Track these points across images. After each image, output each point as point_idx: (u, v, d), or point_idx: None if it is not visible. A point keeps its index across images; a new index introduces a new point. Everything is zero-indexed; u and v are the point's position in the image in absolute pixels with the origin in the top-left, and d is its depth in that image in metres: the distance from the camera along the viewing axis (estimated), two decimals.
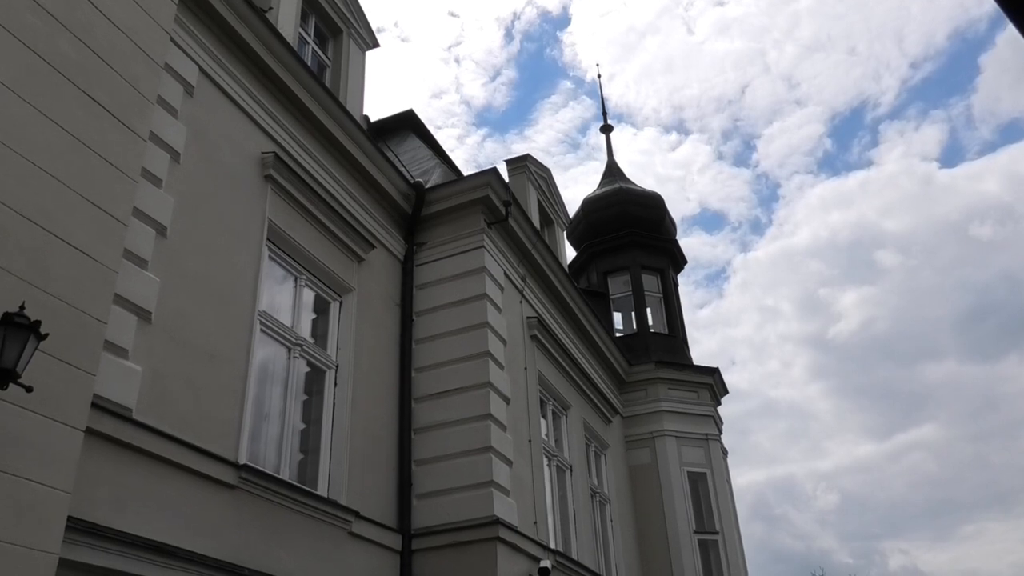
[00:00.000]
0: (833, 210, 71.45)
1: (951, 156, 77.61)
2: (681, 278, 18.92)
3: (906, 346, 67.92)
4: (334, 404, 8.55)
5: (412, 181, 10.51)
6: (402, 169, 10.69)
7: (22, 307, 4.18)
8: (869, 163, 75.01)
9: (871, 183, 70.41)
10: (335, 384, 8.66)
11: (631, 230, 17.92)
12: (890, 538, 58.72)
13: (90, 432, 4.98)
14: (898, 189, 69.17)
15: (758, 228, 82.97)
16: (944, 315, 66.63)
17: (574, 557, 11.29)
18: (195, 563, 5.95)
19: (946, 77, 75.08)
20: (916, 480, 62.39)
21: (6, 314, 4.06)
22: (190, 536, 6.05)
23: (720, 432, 16.46)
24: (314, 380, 8.58)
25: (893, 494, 61.58)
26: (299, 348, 8.25)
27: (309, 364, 8.49)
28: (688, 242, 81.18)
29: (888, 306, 67.84)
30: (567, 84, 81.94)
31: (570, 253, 18.02)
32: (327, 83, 10.34)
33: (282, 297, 8.33)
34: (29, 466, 4.34)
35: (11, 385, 4.08)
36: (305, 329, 8.55)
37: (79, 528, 5.03)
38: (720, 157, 79.97)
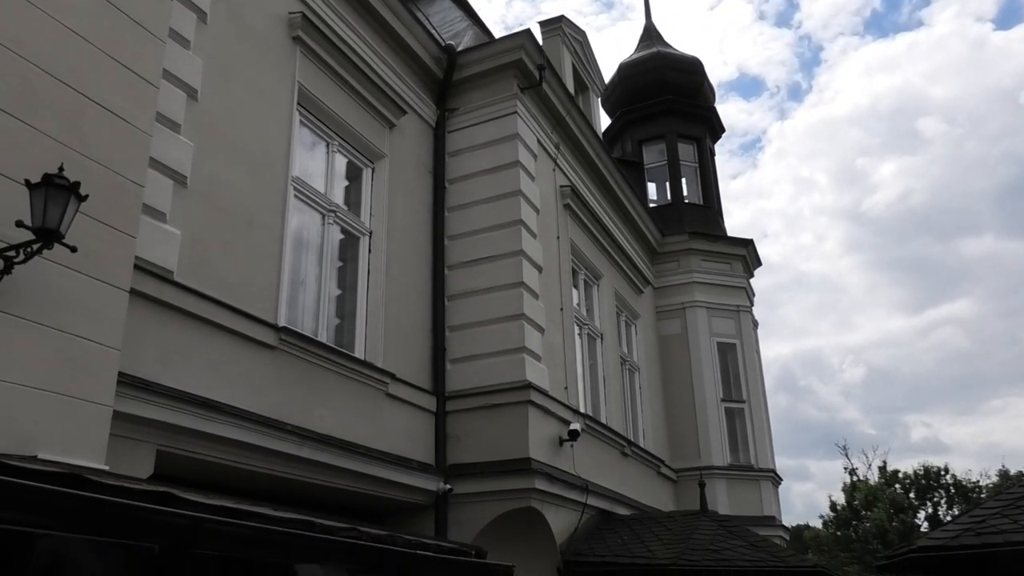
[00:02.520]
0: (877, 75, 68.73)
1: (1008, 17, 73.49)
2: (716, 147, 18.50)
3: (944, 219, 66.81)
4: (368, 270, 8.68)
5: (443, 44, 10.23)
6: (433, 31, 10.39)
7: (61, 168, 4.22)
8: (919, 23, 71.52)
9: (919, 46, 67.36)
10: (369, 251, 8.76)
11: (668, 97, 17.42)
12: (914, 411, 59.67)
13: (134, 293, 5.12)
14: (948, 52, 66.24)
15: (797, 94, 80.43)
16: (986, 188, 65.08)
17: (603, 421, 11.64)
18: (240, 418, 6.24)
19: None
20: (945, 355, 62.71)
21: (46, 175, 4.10)
22: (234, 393, 6.32)
23: (752, 304, 16.53)
24: (348, 247, 8.68)
25: (920, 368, 62.10)
26: (333, 214, 8.31)
27: (343, 231, 8.56)
28: (723, 109, 78.85)
29: (928, 177, 66.30)
30: None
31: (604, 120, 17.63)
32: None
33: (314, 163, 8.32)
34: (80, 325, 4.51)
35: (56, 245, 4.17)
36: (338, 196, 8.58)
37: (129, 383, 5.27)
38: (761, 17, 76.52)
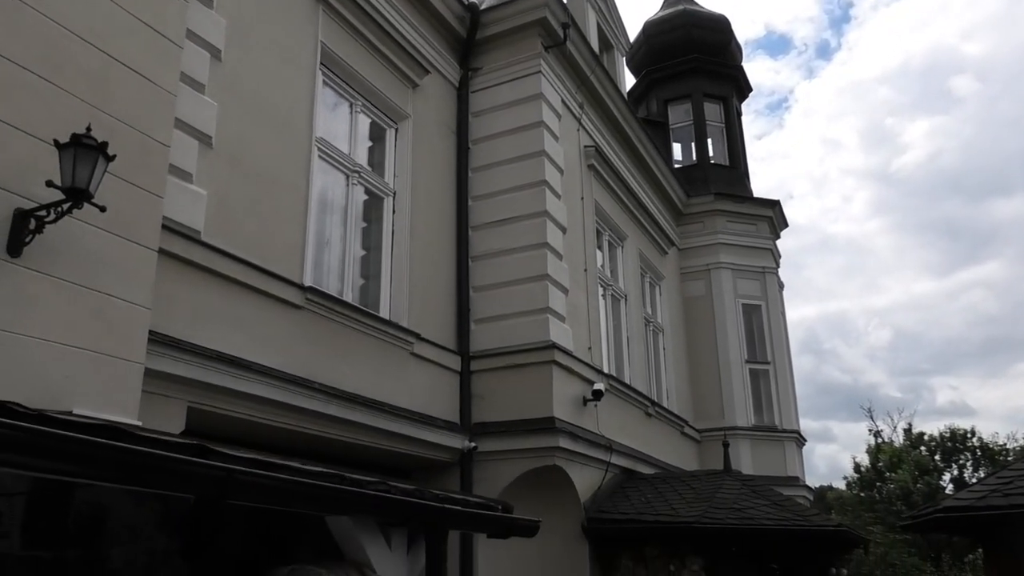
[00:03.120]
0: (909, 32, 66.98)
1: None
2: (742, 107, 18.22)
3: (975, 180, 65.57)
4: (393, 231, 8.70)
5: (466, 2, 10.11)
6: None
7: (88, 128, 4.24)
8: None
9: (953, 2, 65.45)
10: (393, 211, 8.77)
11: (695, 56, 17.13)
12: (940, 374, 59.17)
13: (163, 253, 5.17)
14: (983, 8, 64.31)
15: (825, 52, 78.69)
16: (1020, 148, 63.64)
17: (626, 381, 11.67)
18: (268, 375, 6.32)
19: None
20: (973, 318, 61.96)
21: (74, 135, 4.13)
22: (262, 352, 6.40)
23: (777, 265, 16.39)
24: (372, 207, 8.69)
25: (948, 331, 61.46)
26: (357, 175, 8.32)
27: (367, 192, 8.57)
28: (750, 67, 77.35)
29: (959, 137, 64.94)
30: None
31: (629, 80, 17.39)
32: None
33: (338, 124, 8.31)
34: (111, 283, 4.57)
35: (85, 205, 4.21)
36: (362, 156, 8.57)
37: (160, 341, 5.35)
38: None
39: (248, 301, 6.43)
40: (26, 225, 4.10)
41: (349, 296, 7.89)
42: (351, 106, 8.46)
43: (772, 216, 16.19)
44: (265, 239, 6.73)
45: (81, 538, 3.43)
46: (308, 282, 7.09)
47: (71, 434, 1.68)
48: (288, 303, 6.84)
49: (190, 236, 5.87)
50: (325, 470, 2.50)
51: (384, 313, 8.30)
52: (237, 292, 6.32)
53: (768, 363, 15.19)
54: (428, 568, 3.15)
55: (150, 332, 4.93)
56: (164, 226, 5.22)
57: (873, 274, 65.37)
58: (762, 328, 15.37)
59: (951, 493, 28.90)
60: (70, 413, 3.85)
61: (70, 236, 4.34)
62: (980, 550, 9.90)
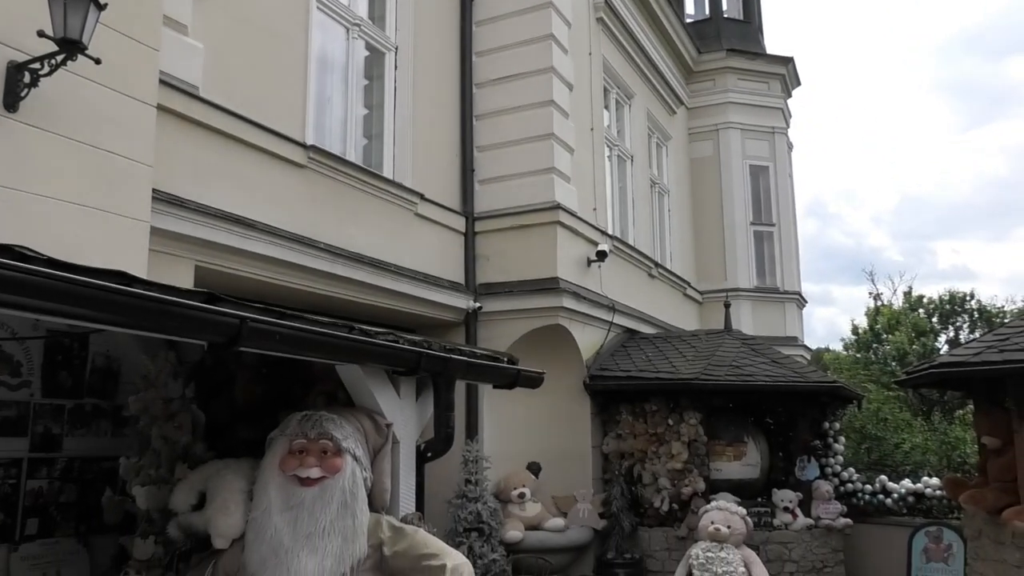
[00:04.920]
0: None
1: None
2: None
3: (995, 38, 63.05)
4: (395, 88, 8.49)
5: None
6: None
7: None
8: None
9: None
10: (395, 67, 8.53)
11: None
12: (944, 238, 59.03)
13: (162, 109, 5.08)
14: None
15: None
16: None
17: (631, 243, 11.71)
18: (272, 235, 6.35)
19: None
20: (982, 182, 61.17)
21: None
22: (266, 211, 6.39)
23: (788, 126, 16.09)
24: (374, 64, 8.45)
25: (955, 195, 60.90)
26: (357, 28, 8.03)
27: (368, 46, 8.30)
28: None
29: None
30: None
31: None
32: None
33: None
34: (111, 140, 4.51)
35: (80, 58, 4.10)
36: (362, 8, 8.25)
37: (164, 199, 5.34)
38: None
39: (250, 160, 6.36)
40: (21, 79, 4.01)
41: (352, 156, 7.79)
42: None
43: (785, 74, 15.74)
44: (265, 96, 6.59)
45: (98, 387, 3.55)
46: (310, 141, 6.99)
47: (83, 278, 1.70)
48: (291, 162, 6.77)
49: (188, 92, 5.73)
50: (335, 320, 2.54)
51: (388, 173, 8.23)
52: (239, 150, 6.25)
53: (773, 225, 15.18)
54: (435, 416, 3.26)
55: (154, 190, 4.91)
56: (162, 81, 5.10)
57: (884, 136, 64.07)
58: (768, 190, 15.26)
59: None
60: None
61: (67, 91, 4.26)
62: (970, 405, 10.22)
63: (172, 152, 5.52)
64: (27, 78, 4.01)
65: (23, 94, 4.02)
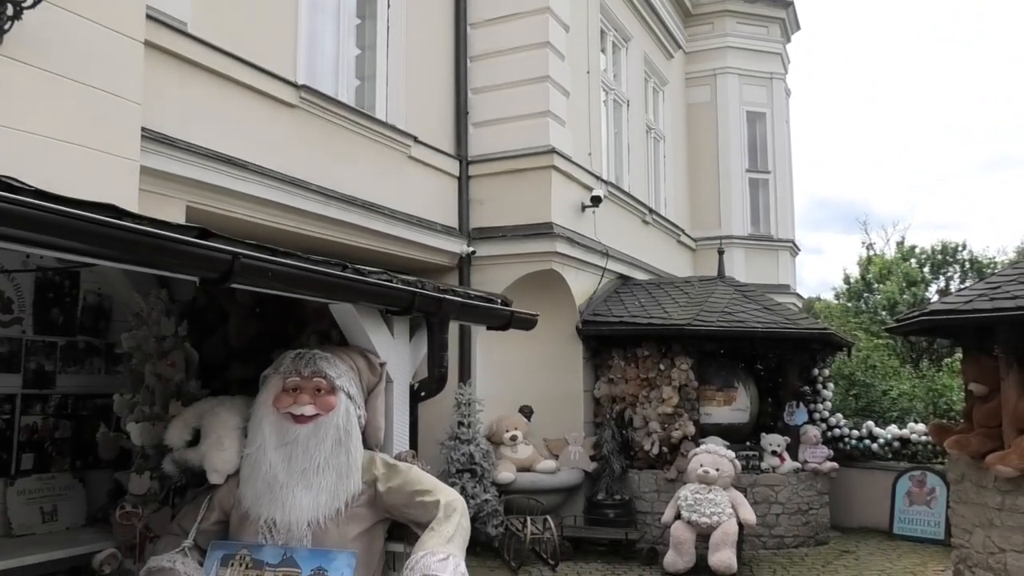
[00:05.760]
0: None
1: None
2: None
3: None
4: (388, 28, 8.33)
5: None
6: None
7: None
8: None
9: None
10: (388, 6, 8.35)
11: None
12: (940, 187, 58.80)
13: (150, 46, 4.98)
14: None
15: None
16: None
17: (625, 189, 11.65)
18: (264, 175, 6.28)
19: None
20: (982, 132, 60.72)
21: None
22: (257, 152, 6.32)
23: (786, 72, 15.89)
24: (367, 2, 8.27)
25: (954, 143, 60.47)
26: None
27: None
28: None
29: None
30: None
31: None
32: None
33: None
34: (98, 76, 4.41)
35: None
36: None
37: (154, 138, 5.27)
38: None
39: (241, 99, 6.26)
40: (4, 11, 3.90)
41: (344, 97, 7.68)
42: None
43: (784, 18, 15.49)
44: (255, 34, 6.46)
45: (90, 325, 3.54)
46: (302, 80, 6.88)
47: (73, 210, 1.67)
48: (282, 102, 6.67)
49: (177, 28, 5.62)
50: (329, 259, 2.53)
51: (380, 115, 8.12)
52: (229, 89, 6.15)
53: (768, 172, 15.11)
54: (429, 356, 3.26)
55: (143, 130, 4.84)
56: (149, 16, 4.99)
57: (884, 85, 63.35)
58: (765, 137, 15.14)
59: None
60: None
61: (52, 24, 4.15)
62: (959, 353, 10.33)
63: (161, 91, 5.43)
64: (10, 10, 3.91)
65: (7, 27, 3.92)
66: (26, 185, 1.67)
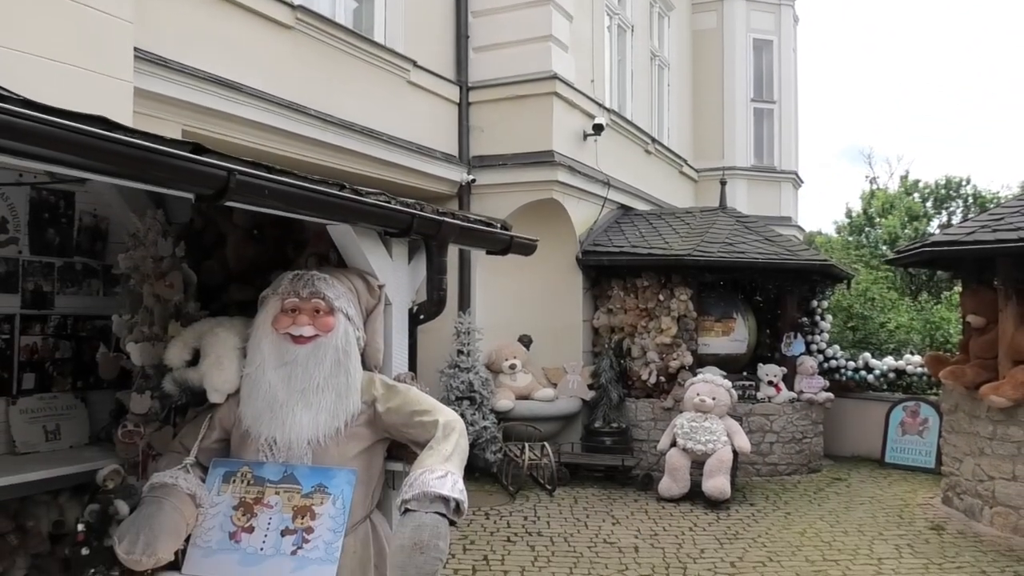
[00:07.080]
0: None
1: None
2: None
3: None
4: None
5: None
6: None
7: None
8: None
9: None
10: None
11: None
12: (946, 120, 57.92)
13: None
14: None
15: None
16: None
17: (628, 117, 11.48)
18: (260, 99, 6.18)
19: None
20: (989, 64, 59.49)
21: None
22: (254, 75, 6.20)
23: None
24: None
25: (960, 76, 59.35)
26: None
27: None
28: None
29: None
30: None
31: None
32: None
33: None
34: None
35: None
36: None
37: (149, 59, 5.16)
38: None
39: (236, 20, 6.12)
40: None
41: (341, 18, 7.50)
42: None
43: None
44: None
45: (86, 247, 3.51)
46: (298, 1, 6.70)
47: (62, 120, 1.63)
48: (278, 23, 6.52)
49: None
50: (326, 179, 2.48)
51: (379, 38, 7.94)
52: (226, 10, 6.00)
53: (774, 102, 14.87)
54: (428, 279, 3.25)
55: (138, 50, 4.74)
56: None
57: (895, 14, 61.68)
58: (771, 65, 14.86)
59: None
60: None
61: None
62: (958, 286, 10.33)
63: (155, 12, 5.30)
64: None
65: None
66: (12, 93, 1.63)
